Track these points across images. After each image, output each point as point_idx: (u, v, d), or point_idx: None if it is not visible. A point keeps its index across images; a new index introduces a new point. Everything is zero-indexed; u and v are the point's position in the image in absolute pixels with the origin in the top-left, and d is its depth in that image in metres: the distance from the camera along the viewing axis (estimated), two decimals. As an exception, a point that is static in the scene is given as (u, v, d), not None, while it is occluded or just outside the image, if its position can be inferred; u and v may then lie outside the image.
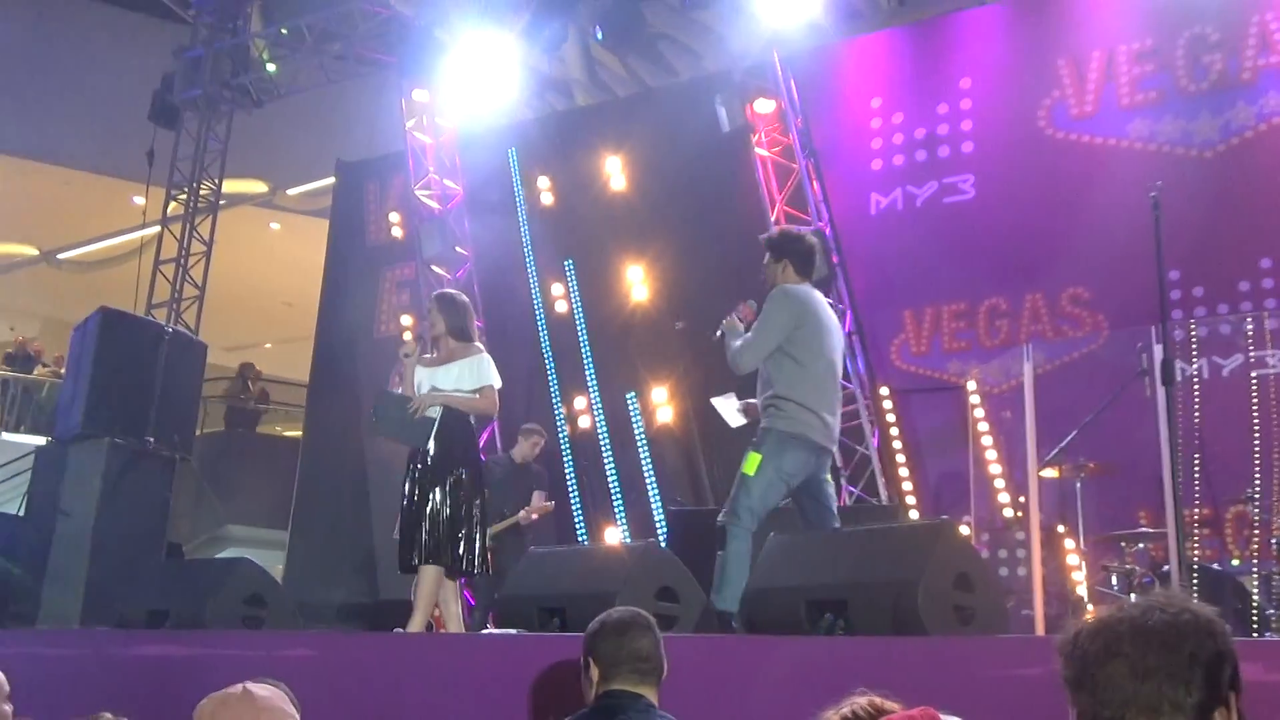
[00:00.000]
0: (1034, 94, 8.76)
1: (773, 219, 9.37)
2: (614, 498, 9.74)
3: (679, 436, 9.66)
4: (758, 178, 9.51)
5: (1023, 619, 6.37)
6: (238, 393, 14.16)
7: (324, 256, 12.38)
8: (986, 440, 7.84)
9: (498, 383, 5.32)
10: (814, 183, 9.40)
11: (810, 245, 4.83)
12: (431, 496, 5.14)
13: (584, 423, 10.05)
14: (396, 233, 11.89)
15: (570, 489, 9.83)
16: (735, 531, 4.41)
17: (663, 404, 9.70)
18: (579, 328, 10.24)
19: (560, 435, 9.92)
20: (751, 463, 4.47)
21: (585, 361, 10.13)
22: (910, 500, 8.39)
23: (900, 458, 8.58)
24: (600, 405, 10.02)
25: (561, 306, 10.38)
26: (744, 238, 9.63)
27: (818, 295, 4.81)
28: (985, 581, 3.64)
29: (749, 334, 4.68)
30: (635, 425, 9.79)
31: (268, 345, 19.02)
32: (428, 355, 5.41)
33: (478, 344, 5.48)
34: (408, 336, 5.21)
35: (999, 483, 7.76)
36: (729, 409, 5.04)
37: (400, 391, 5.26)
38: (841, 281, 9.08)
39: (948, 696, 3.20)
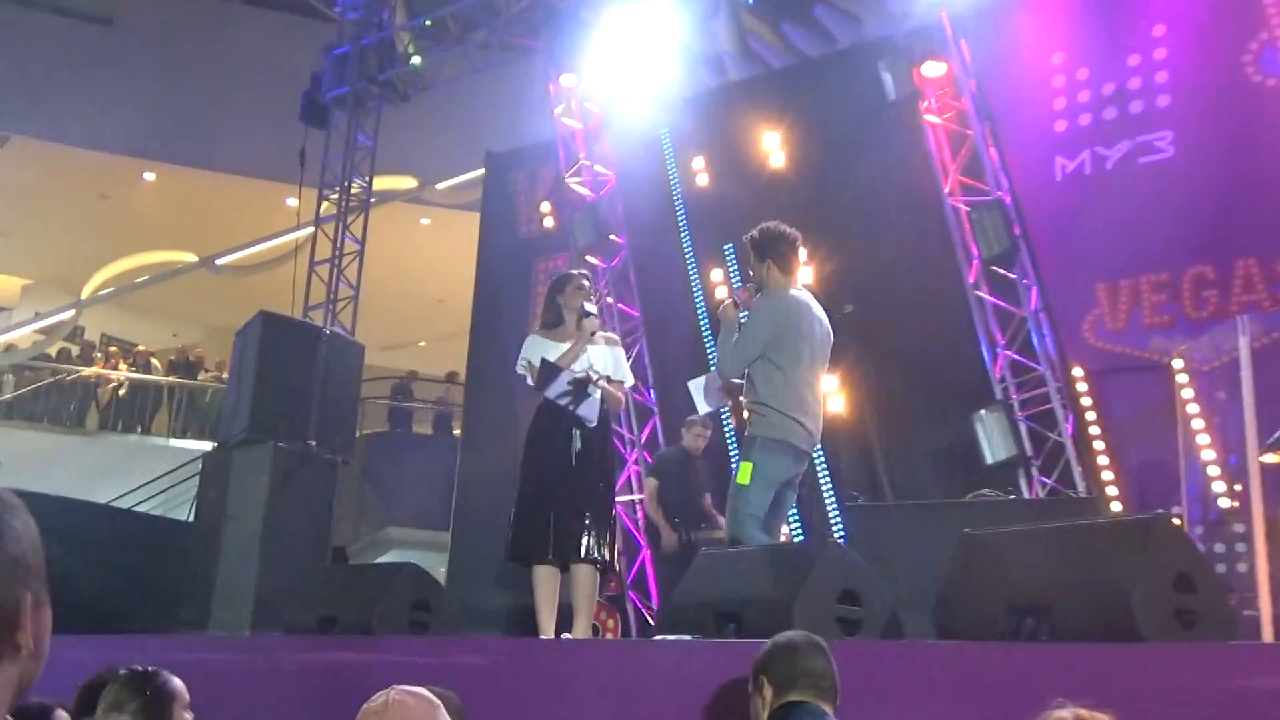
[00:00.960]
0: (1238, 38, 8.24)
1: (946, 191, 9.09)
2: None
3: (852, 428, 9.40)
4: (928, 147, 9.20)
5: (1246, 620, 6.01)
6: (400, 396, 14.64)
7: (475, 250, 12.51)
8: (1197, 424, 7.42)
9: (630, 380, 5.58)
10: (991, 149, 9.07)
11: (791, 242, 4.97)
12: (595, 489, 5.16)
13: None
14: (548, 223, 11.89)
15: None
16: (747, 538, 4.69)
17: (832, 393, 9.46)
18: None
19: (725, 429, 9.81)
20: (744, 472, 4.70)
21: None
22: (1111, 491, 8.02)
23: (1098, 444, 8.21)
24: None
25: (722, 293, 10.18)
26: (915, 212, 9.39)
27: (800, 297, 4.96)
28: (1209, 582, 3.43)
29: (735, 338, 4.94)
30: None
31: (422, 343, 19.44)
32: (609, 333, 5.60)
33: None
34: (591, 309, 5.47)
35: (1213, 470, 7.34)
36: (700, 391, 5.31)
37: (558, 361, 5.26)
38: (1025, 255, 8.74)
39: (1167, 709, 3.04)
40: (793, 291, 4.96)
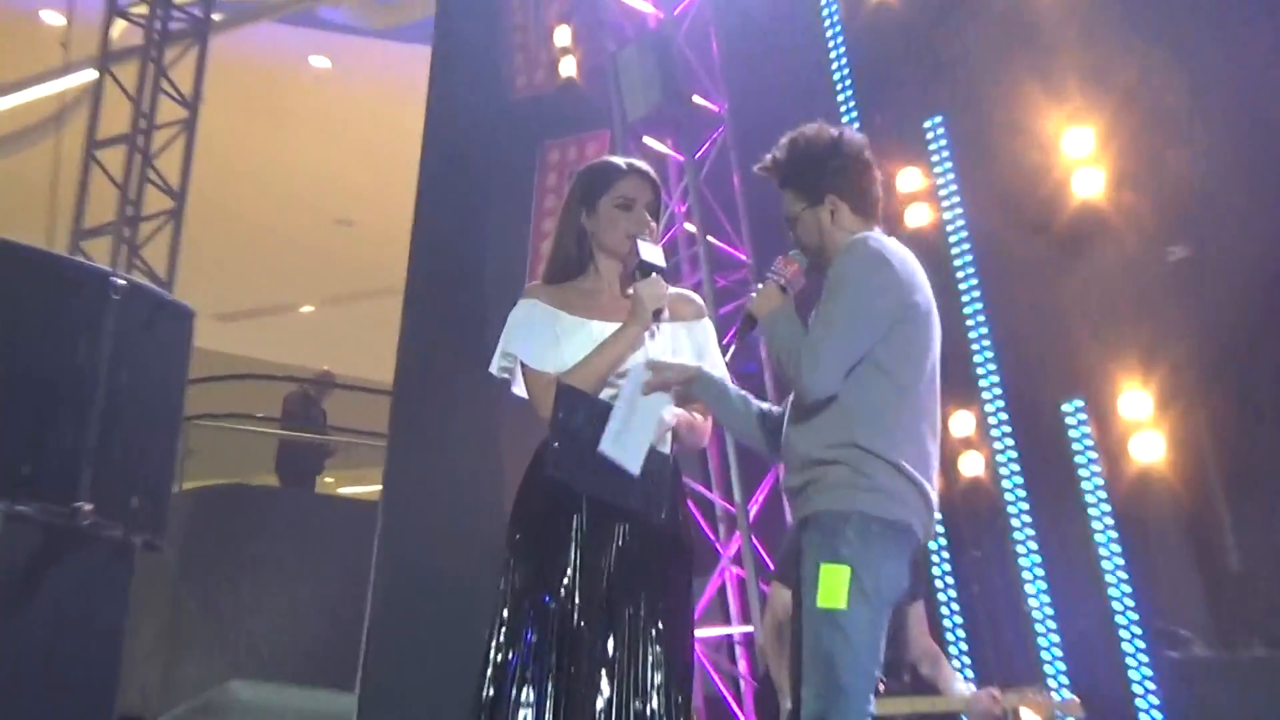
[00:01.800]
0: None
1: None
2: (1039, 626, 5.31)
3: (1183, 484, 5.09)
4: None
5: None
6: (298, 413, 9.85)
7: (420, 122, 8.06)
8: None
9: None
10: None
11: (857, 156, 3.05)
12: (654, 629, 2.96)
13: (971, 465, 5.55)
14: (568, 69, 7.65)
15: (945, 608, 5.53)
16: None
17: (1143, 420, 5.08)
18: (959, 255, 5.67)
19: None
20: (834, 584, 2.75)
21: (974, 330, 5.59)
22: None
23: None
24: (1006, 424, 5.49)
25: (921, 214, 5.85)
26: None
27: (907, 253, 2.99)
28: None
29: (813, 323, 2.90)
30: (1085, 470, 5.22)
31: (306, 308, 13.75)
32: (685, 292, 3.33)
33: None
34: (653, 253, 3.01)
35: None
36: (621, 445, 2.94)
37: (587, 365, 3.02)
38: None
39: None
40: (894, 242, 2.99)
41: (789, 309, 2.99)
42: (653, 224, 3.16)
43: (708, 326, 3.21)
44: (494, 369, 3.19)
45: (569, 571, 2.96)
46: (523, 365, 3.11)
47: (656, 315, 3.04)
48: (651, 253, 3.08)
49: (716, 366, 3.17)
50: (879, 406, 2.88)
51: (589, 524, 2.99)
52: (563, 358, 3.03)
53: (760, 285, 3.08)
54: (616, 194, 3.13)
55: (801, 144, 3.09)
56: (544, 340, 3.09)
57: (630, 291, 3.08)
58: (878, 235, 3.01)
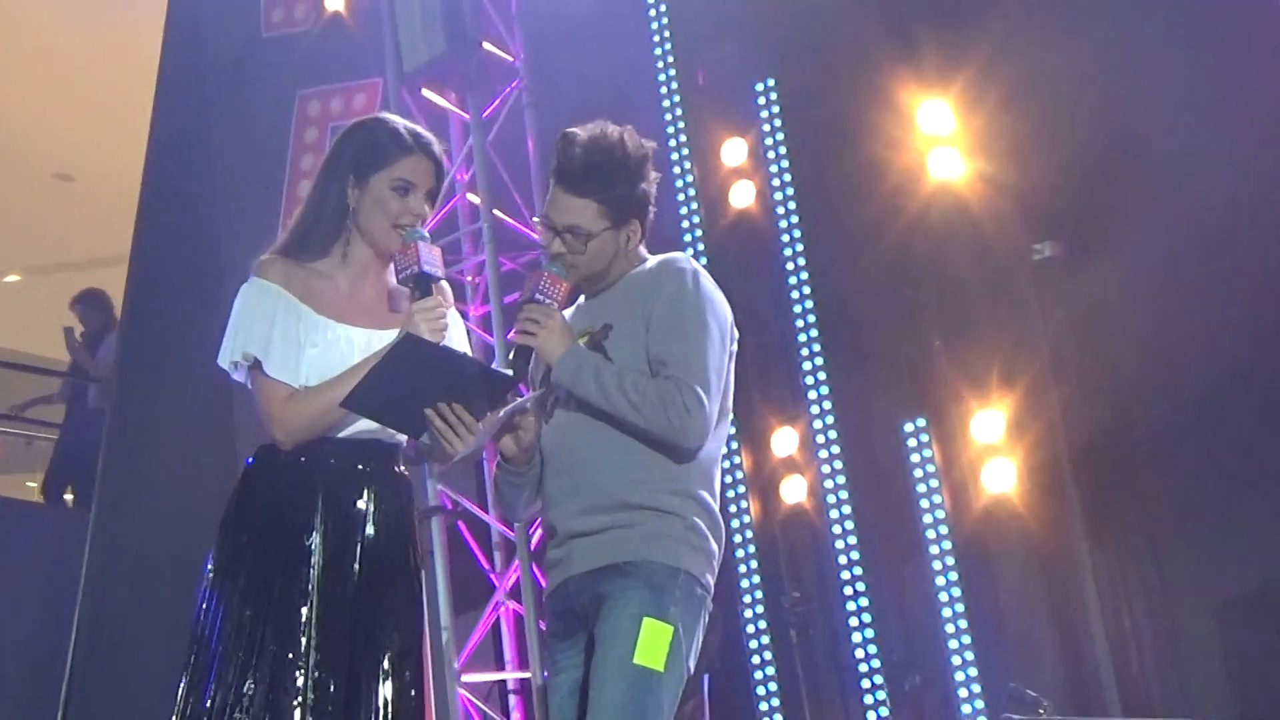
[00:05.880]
0: None
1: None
2: (865, 682, 4.84)
3: (1038, 520, 4.67)
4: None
5: None
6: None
7: (154, 59, 7.43)
8: None
9: None
10: None
11: (651, 168, 2.87)
12: (390, 641, 2.83)
13: (793, 490, 5.05)
14: (334, 3, 7.01)
15: (756, 657, 5.00)
16: None
17: (995, 443, 4.64)
18: (789, 244, 5.11)
19: (738, 517, 5.10)
20: (655, 642, 2.64)
21: (804, 333, 5.09)
22: None
23: None
24: (836, 443, 4.98)
25: (746, 193, 5.27)
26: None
27: None
28: None
29: (665, 355, 2.68)
30: (925, 501, 4.76)
31: (10, 277, 12.56)
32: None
33: None
34: (429, 257, 2.66)
35: None
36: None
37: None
38: None
39: None
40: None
41: (581, 346, 2.75)
42: (428, 215, 2.89)
43: (457, 320, 2.91)
44: (224, 362, 2.85)
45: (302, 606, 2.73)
46: (259, 370, 2.76)
47: (436, 319, 2.77)
48: (432, 262, 2.75)
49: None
50: (713, 453, 2.78)
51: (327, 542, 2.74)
52: (302, 368, 2.72)
53: (529, 310, 2.77)
54: (395, 173, 2.82)
55: (618, 154, 2.81)
56: (289, 341, 2.77)
57: (393, 282, 2.82)
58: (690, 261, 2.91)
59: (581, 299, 2.83)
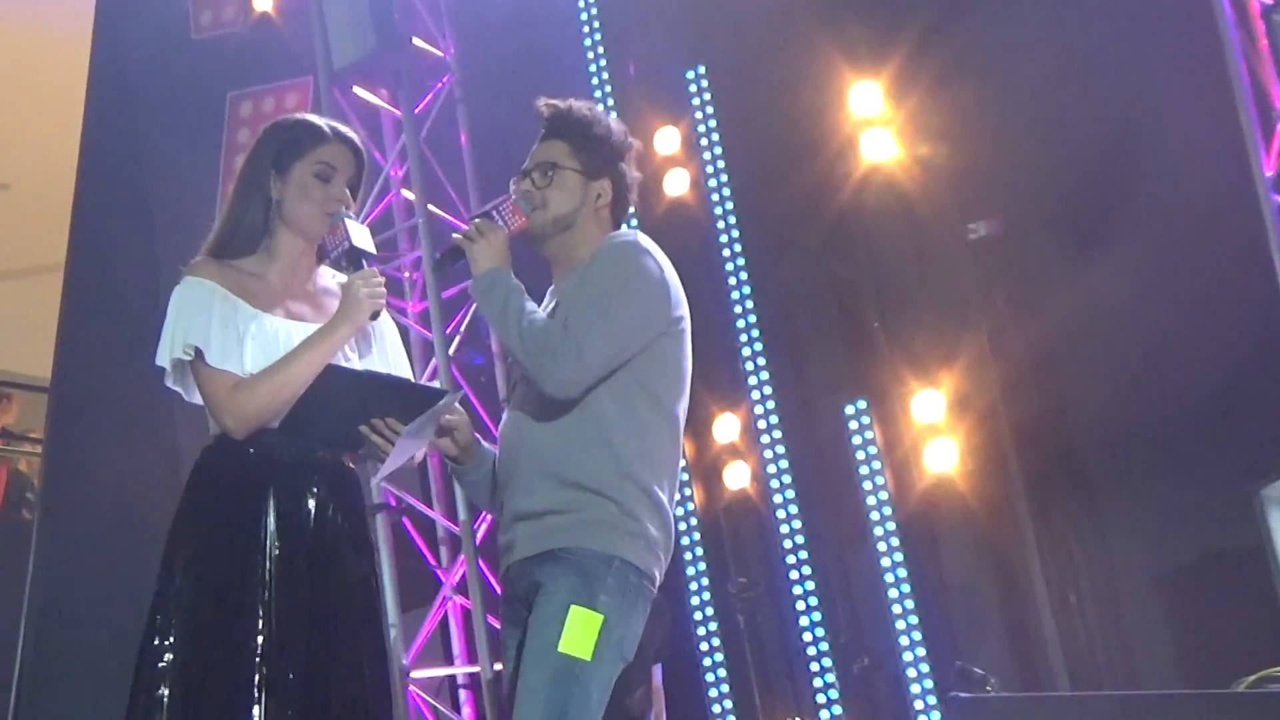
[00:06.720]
0: None
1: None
2: (814, 665, 4.79)
3: (981, 499, 4.64)
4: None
5: None
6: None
7: (84, 66, 7.34)
8: None
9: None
10: None
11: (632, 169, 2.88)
12: (349, 645, 2.82)
13: (736, 476, 4.99)
14: (263, 4, 6.91)
15: (704, 644, 4.95)
16: None
17: (936, 423, 4.60)
18: (724, 230, 5.06)
19: (681, 505, 5.00)
20: (582, 632, 2.62)
21: (742, 319, 5.04)
22: None
23: None
24: (778, 428, 4.92)
25: (680, 180, 5.19)
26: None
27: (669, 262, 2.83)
28: None
29: (569, 309, 2.66)
30: (868, 482, 4.70)
31: None
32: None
33: None
34: (361, 237, 2.72)
35: None
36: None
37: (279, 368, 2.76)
38: None
39: None
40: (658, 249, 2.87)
41: (507, 271, 2.72)
42: (351, 203, 2.90)
43: (390, 324, 2.96)
44: (164, 360, 2.81)
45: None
46: (202, 361, 2.74)
47: (374, 316, 2.77)
48: (362, 237, 2.77)
49: (399, 366, 2.94)
50: (652, 435, 2.73)
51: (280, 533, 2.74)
52: (245, 358, 2.71)
53: (476, 221, 2.74)
54: (315, 159, 2.83)
55: (601, 119, 2.87)
56: (229, 331, 2.75)
57: (321, 282, 2.86)
58: (647, 239, 2.86)
59: (552, 286, 2.77)
